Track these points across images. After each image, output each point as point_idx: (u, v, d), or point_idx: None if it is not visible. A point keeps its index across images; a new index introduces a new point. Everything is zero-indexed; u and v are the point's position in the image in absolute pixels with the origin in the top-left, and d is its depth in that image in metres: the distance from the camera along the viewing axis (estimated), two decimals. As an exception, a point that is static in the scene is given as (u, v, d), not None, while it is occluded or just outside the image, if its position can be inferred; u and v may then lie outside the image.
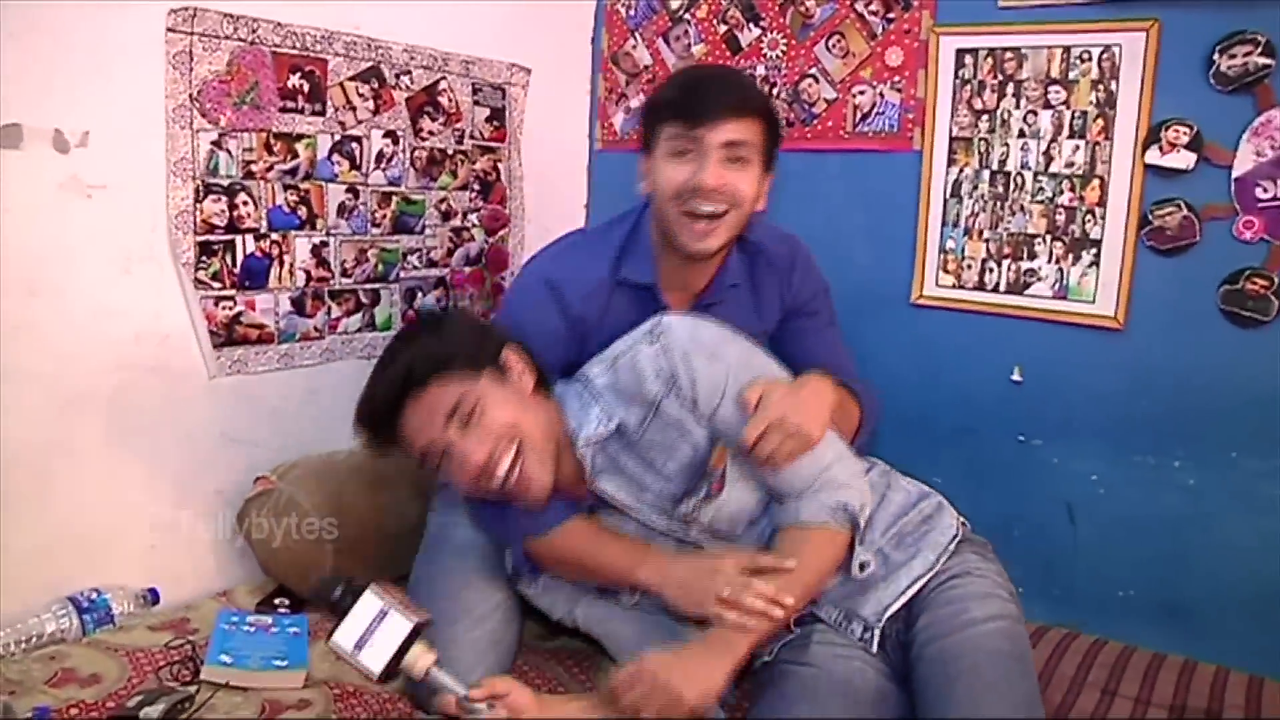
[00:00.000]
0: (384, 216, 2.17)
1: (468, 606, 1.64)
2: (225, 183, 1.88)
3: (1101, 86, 1.98)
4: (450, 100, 2.26)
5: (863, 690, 1.45)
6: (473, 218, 2.37)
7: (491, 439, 1.40)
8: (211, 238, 1.88)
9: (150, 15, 1.74)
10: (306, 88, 1.99)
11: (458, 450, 1.40)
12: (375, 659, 1.30)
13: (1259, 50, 1.83)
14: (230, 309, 1.92)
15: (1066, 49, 2.00)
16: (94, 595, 1.71)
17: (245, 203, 1.92)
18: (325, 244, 2.07)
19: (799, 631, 1.52)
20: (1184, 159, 1.91)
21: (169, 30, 1.76)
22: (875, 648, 1.48)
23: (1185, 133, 1.90)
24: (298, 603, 1.86)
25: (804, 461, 1.45)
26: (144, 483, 1.84)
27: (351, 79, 2.07)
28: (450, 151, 2.29)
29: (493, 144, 2.39)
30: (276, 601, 1.85)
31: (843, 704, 1.42)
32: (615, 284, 1.68)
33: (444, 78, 2.25)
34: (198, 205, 1.85)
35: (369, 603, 1.31)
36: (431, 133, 2.24)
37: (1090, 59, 1.98)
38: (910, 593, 1.49)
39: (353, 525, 1.89)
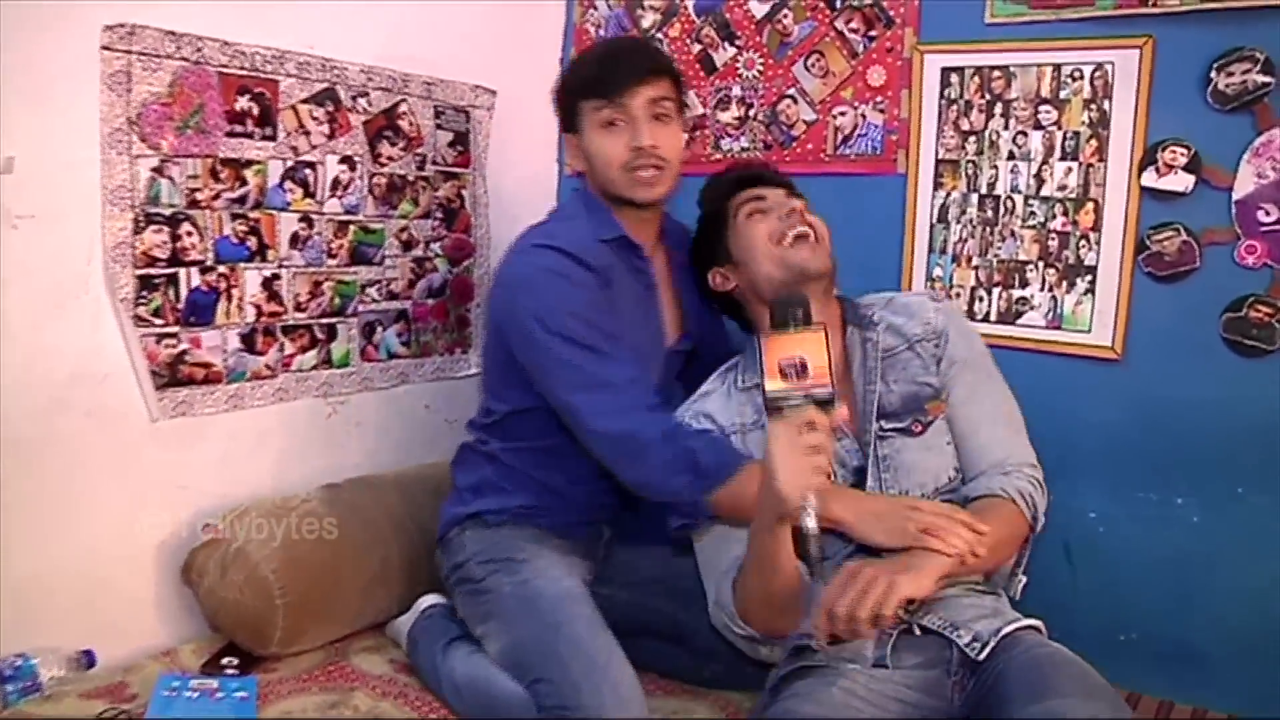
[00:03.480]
0: (340, 247, 2.05)
1: (607, 655, 1.59)
2: (168, 212, 1.77)
3: (1094, 106, 1.90)
4: (411, 124, 2.16)
5: None
6: (435, 247, 2.26)
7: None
8: (153, 271, 1.76)
9: (84, 32, 1.63)
10: (256, 111, 1.88)
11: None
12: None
13: (1258, 68, 1.75)
14: (174, 347, 1.80)
15: (1057, 67, 1.92)
16: (18, 662, 1.57)
17: (190, 233, 1.80)
18: (277, 276, 1.95)
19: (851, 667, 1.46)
20: (1182, 181, 1.83)
21: (104, 48, 1.64)
22: (982, 655, 1.41)
23: (1183, 154, 1.82)
24: (247, 662, 1.73)
25: (1001, 434, 1.61)
26: (80, 534, 1.71)
27: (305, 101, 1.96)
28: (411, 178, 2.18)
29: (456, 170, 2.28)
30: (224, 661, 1.72)
31: None
32: (599, 243, 1.75)
33: (404, 100, 2.14)
34: (137, 236, 1.73)
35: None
36: (391, 158, 2.13)
37: (1082, 77, 1.90)
38: (1016, 626, 1.44)
39: (306, 577, 1.78)
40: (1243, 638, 1.83)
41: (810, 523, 1.25)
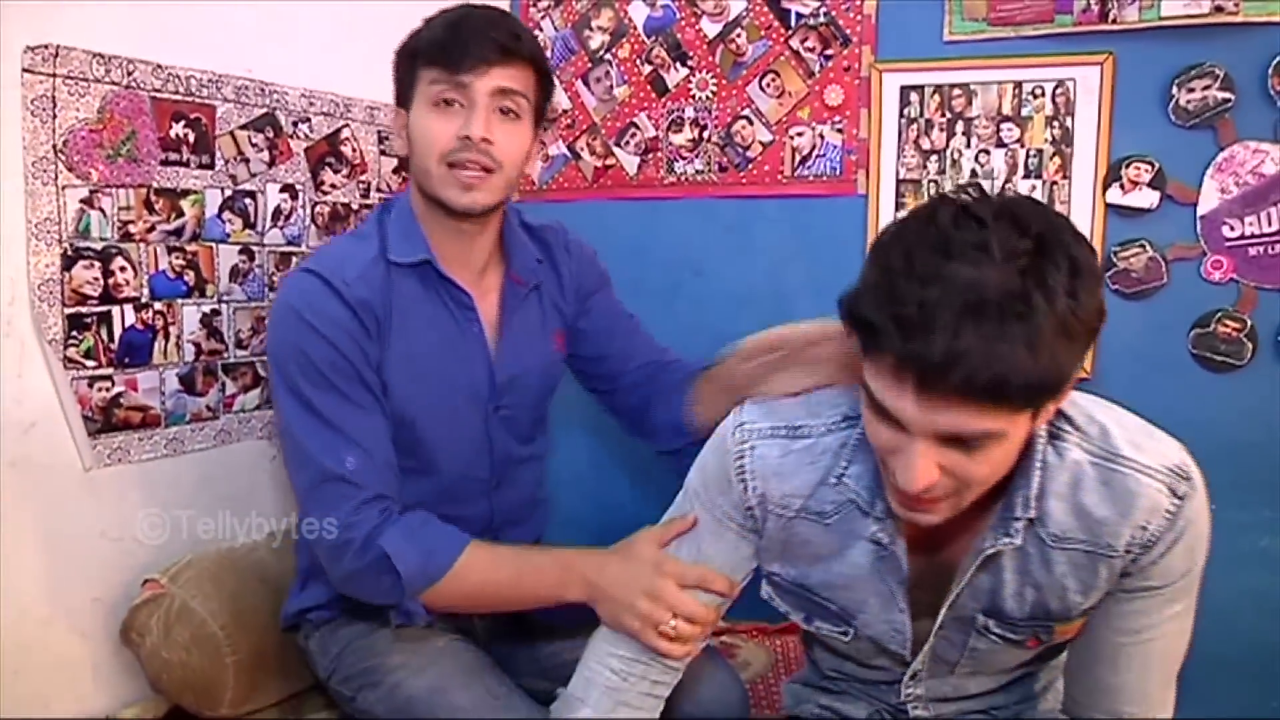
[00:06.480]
0: (283, 280, 1.94)
1: None
2: (98, 246, 1.65)
3: (1057, 123, 1.89)
4: (354, 150, 2.06)
5: None
6: (382, 277, 2.15)
7: (956, 482, 1.00)
8: (83, 309, 1.63)
9: (3, 53, 1.50)
10: (192, 137, 1.77)
11: (916, 463, 0.97)
12: None
13: (1217, 84, 1.76)
14: (108, 390, 1.68)
15: (1018, 84, 1.91)
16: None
17: (123, 268, 1.68)
18: (217, 312, 1.83)
19: None
20: (1147, 198, 1.82)
21: (26, 71, 1.52)
22: None
23: (1147, 170, 1.82)
24: (194, 728, 1.62)
25: (1149, 687, 1.18)
26: (7, 595, 1.57)
27: (243, 127, 1.85)
28: (355, 206, 2.08)
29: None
30: (169, 727, 1.61)
31: None
32: (389, 265, 1.48)
33: (346, 125, 2.04)
34: (66, 273, 1.61)
35: None
36: (334, 186, 2.03)
37: (1044, 94, 1.89)
38: None
39: (256, 632, 1.66)
40: (1219, 656, 1.81)
41: None
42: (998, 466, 1.00)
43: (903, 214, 0.98)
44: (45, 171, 1.57)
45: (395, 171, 1.58)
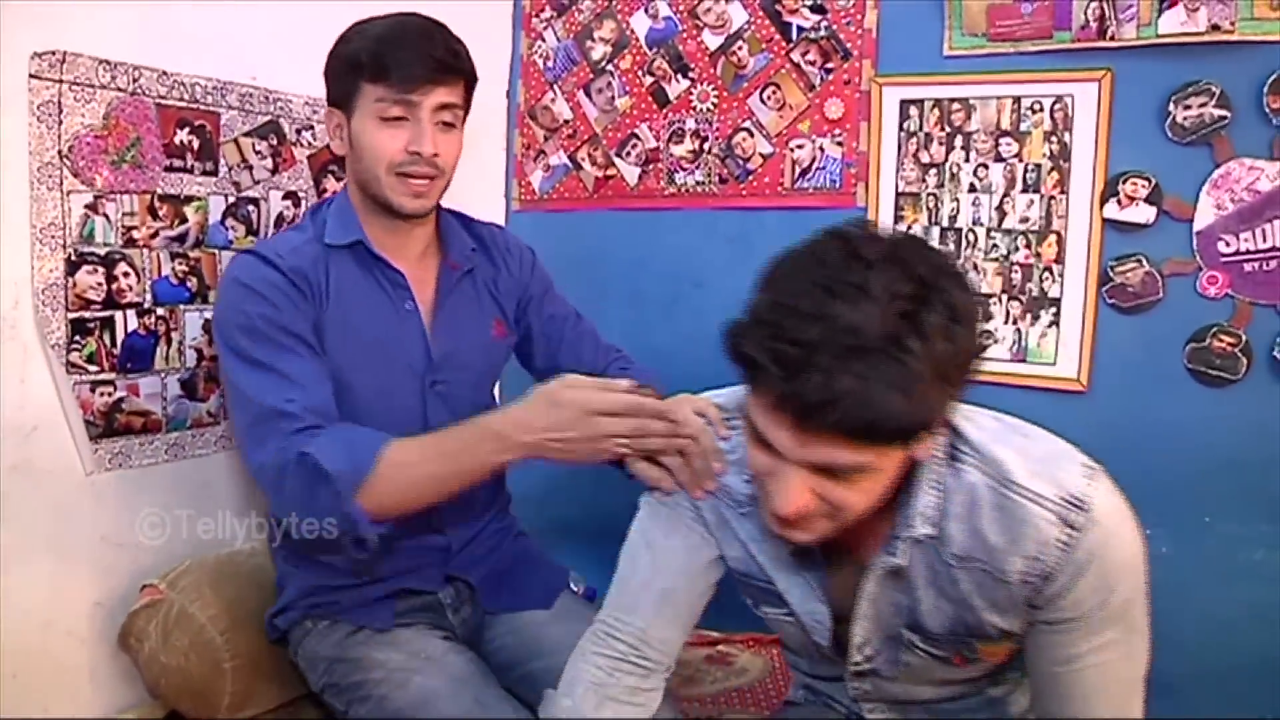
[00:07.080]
0: (285, 286, 1.95)
1: None
2: (102, 251, 1.66)
3: (1055, 138, 1.90)
4: (357, 157, 2.07)
5: None
6: (384, 285, 2.16)
7: (829, 506, 1.04)
8: (86, 314, 1.64)
9: (10, 60, 1.52)
10: (196, 144, 1.78)
11: (789, 488, 1.02)
12: None
13: (1214, 101, 1.77)
14: (109, 395, 1.68)
15: (1017, 99, 1.92)
16: (-59, 744, 1.44)
17: (126, 274, 1.69)
18: (219, 318, 1.84)
19: None
20: (1144, 213, 1.83)
21: (33, 77, 1.53)
22: None
23: (1144, 185, 1.83)
24: (192, 733, 1.62)
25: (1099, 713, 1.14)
26: (7, 599, 1.58)
27: (247, 135, 1.87)
28: (358, 213, 2.09)
29: (403, 204, 2.20)
30: (167, 732, 1.61)
31: None
32: (324, 247, 1.56)
33: (350, 133, 2.05)
34: (69, 277, 1.61)
35: None
36: (336, 193, 2.03)
37: (1042, 109, 1.90)
38: None
39: (254, 638, 1.67)
40: (1216, 669, 1.82)
41: None
42: (870, 494, 1.04)
43: (794, 246, 1.02)
44: (50, 177, 1.58)
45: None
